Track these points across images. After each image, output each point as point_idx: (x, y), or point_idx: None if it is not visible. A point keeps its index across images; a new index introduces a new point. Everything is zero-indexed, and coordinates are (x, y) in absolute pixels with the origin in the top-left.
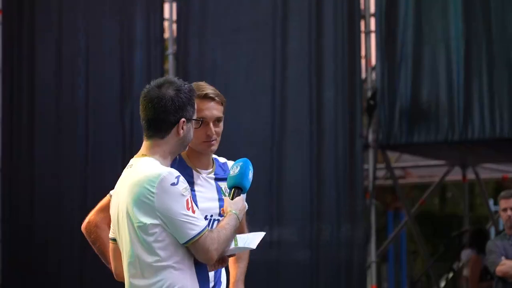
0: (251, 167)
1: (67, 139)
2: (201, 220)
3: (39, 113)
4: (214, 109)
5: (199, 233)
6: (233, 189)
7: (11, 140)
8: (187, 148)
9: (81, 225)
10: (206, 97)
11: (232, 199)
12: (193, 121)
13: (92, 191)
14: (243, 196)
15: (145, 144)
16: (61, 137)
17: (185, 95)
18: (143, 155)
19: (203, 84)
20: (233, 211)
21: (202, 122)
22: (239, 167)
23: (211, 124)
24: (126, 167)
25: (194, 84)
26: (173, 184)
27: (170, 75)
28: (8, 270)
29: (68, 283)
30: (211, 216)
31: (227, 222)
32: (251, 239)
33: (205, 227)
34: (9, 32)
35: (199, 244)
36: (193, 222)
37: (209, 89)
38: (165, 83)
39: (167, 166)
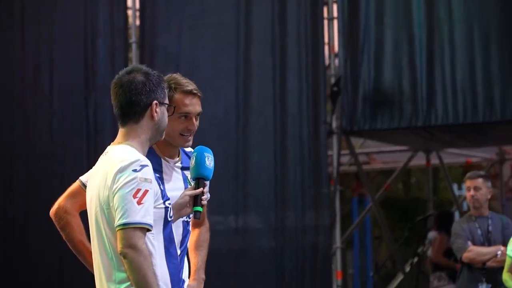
0: (207, 153)
1: (31, 127)
2: (143, 216)
3: (2, 101)
4: (197, 105)
5: (130, 223)
6: (196, 180)
7: None
8: (163, 136)
9: (48, 212)
10: (191, 93)
11: (196, 188)
12: (165, 106)
13: (57, 179)
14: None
15: (120, 132)
16: (25, 124)
17: (155, 79)
18: (119, 142)
19: (181, 78)
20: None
21: (175, 108)
22: (194, 158)
23: (194, 119)
24: (102, 154)
25: (171, 77)
26: (134, 170)
27: (134, 64)
28: None
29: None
30: None
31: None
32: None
33: (144, 223)
34: None
35: (124, 234)
36: (131, 210)
37: (192, 85)
38: (133, 69)
39: (144, 153)
